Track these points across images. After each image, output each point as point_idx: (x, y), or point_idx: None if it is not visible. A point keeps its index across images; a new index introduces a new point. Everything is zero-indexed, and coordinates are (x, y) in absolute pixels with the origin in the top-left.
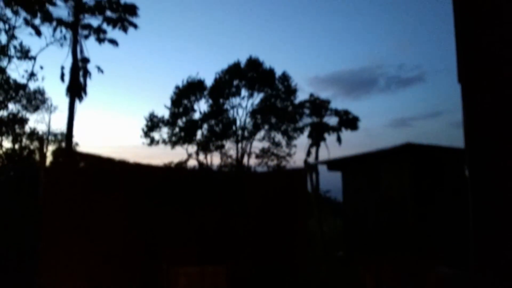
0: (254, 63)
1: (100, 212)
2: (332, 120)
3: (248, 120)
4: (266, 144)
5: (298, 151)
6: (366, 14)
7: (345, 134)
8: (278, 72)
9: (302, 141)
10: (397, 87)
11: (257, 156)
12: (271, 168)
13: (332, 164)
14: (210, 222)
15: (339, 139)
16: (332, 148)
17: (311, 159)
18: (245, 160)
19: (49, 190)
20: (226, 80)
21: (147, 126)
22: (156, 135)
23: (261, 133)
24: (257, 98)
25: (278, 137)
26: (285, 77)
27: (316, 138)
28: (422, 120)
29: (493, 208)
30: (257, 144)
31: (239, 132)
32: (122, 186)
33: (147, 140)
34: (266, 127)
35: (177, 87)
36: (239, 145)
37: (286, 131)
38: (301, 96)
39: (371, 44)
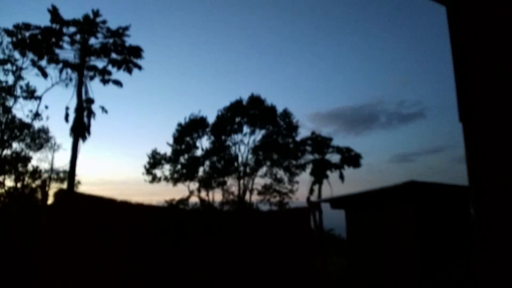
0: (256, 100)
1: (100, 252)
2: (334, 158)
3: (250, 156)
4: (268, 181)
5: (301, 187)
6: (366, 52)
7: (348, 170)
8: (280, 109)
9: (304, 177)
10: (398, 123)
11: (259, 193)
12: (274, 205)
13: (335, 202)
14: (214, 263)
15: (341, 177)
16: (334, 185)
17: (314, 197)
18: (247, 196)
19: (50, 230)
20: (228, 117)
21: (149, 163)
22: (158, 172)
23: (263, 170)
24: (259, 134)
25: (280, 173)
26: (286, 114)
27: (319, 175)
28: (424, 156)
29: (501, 248)
30: (259, 181)
31: (241, 168)
32: (123, 227)
33: (149, 178)
34: (268, 163)
35: (179, 125)
36: (241, 181)
37: (288, 167)
38: (303, 132)
39: (371, 80)
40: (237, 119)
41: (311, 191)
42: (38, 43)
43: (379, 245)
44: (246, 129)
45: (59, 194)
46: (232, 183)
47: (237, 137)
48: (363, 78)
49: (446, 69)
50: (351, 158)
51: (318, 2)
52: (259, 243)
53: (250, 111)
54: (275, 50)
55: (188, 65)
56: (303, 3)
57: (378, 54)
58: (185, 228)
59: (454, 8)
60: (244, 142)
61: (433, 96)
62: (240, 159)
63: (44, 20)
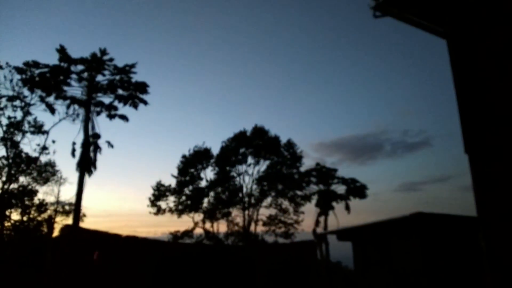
0: (259, 131)
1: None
2: (340, 188)
3: (254, 187)
4: (273, 211)
5: (306, 217)
6: (369, 82)
7: (354, 200)
8: (283, 140)
9: (310, 207)
10: (404, 152)
11: (264, 224)
12: (279, 236)
13: (342, 234)
14: None
15: (347, 208)
16: (340, 215)
17: (320, 229)
18: (252, 227)
19: (55, 264)
20: (233, 148)
21: (154, 195)
22: (163, 204)
23: (268, 200)
24: (263, 165)
25: (285, 204)
26: (290, 144)
27: (324, 206)
28: (431, 184)
29: None
30: (264, 211)
31: (246, 199)
32: (128, 261)
33: (154, 209)
34: (273, 194)
35: (183, 156)
36: (246, 212)
37: (293, 198)
38: (307, 162)
39: (375, 110)
40: (241, 150)
41: (317, 222)
42: (47, 80)
43: (387, 278)
44: (250, 159)
45: (65, 229)
46: (237, 214)
47: (242, 167)
48: (367, 108)
49: (449, 98)
50: (356, 189)
51: (321, 34)
52: (266, 276)
53: (254, 141)
54: (278, 82)
55: (192, 98)
56: (305, 34)
57: (381, 84)
58: (191, 263)
59: (455, 42)
60: (249, 173)
61: (438, 125)
62: (244, 189)
63: (52, 57)
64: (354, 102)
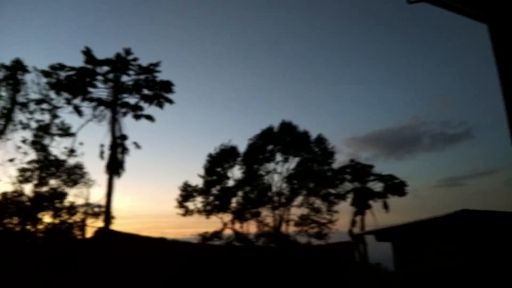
0: (287, 127)
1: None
2: (377, 186)
3: (284, 185)
4: (305, 211)
5: (341, 217)
6: (405, 71)
7: (392, 198)
8: (313, 135)
9: (344, 205)
10: (443, 145)
11: (296, 224)
12: (312, 236)
13: (381, 235)
14: None
15: (385, 206)
16: (378, 214)
17: (357, 229)
18: (283, 228)
19: (88, 266)
20: (260, 146)
21: (181, 196)
22: (190, 204)
23: (299, 199)
24: (293, 162)
25: (318, 202)
26: (320, 140)
27: (360, 205)
28: (474, 179)
29: None
30: (296, 211)
31: (276, 198)
32: (158, 263)
33: (182, 211)
34: (304, 192)
35: (209, 155)
36: (276, 212)
37: (326, 196)
38: (339, 158)
39: (412, 100)
40: (269, 147)
41: (353, 222)
42: (73, 83)
43: (430, 280)
44: (278, 157)
45: (98, 232)
46: (266, 214)
47: (270, 165)
48: (403, 99)
49: (493, 86)
50: (395, 186)
51: (352, 21)
52: (301, 279)
53: (282, 138)
54: (306, 74)
55: (217, 95)
56: (335, 23)
57: (417, 72)
58: (220, 265)
59: (496, 27)
60: (278, 171)
61: (481, 115)
62: (274, 188)
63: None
64: (389, 92)
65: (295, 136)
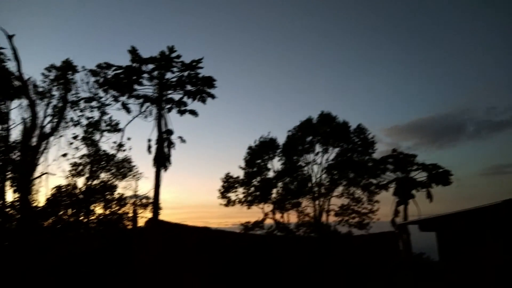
0: (326, 117)
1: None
2: (420, 175)
3: (324, 176)
4: (345, 201)
5: (382, 206)
6: (446, 56)
7: (436, 188)
8: (353, 125)
9: (385, 195)
10: (489, 132)
11: (336, 214)
12: (353, 226)
13: (425, 224)
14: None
15: (429, 196)
16: (421, 204)
17: (399, 218)
18: (323, 217)
19: (141, 255)
20: (299, 137)
21: (223, 187)
22: (232, 195)
23: (339, 189)
24: (332, 153)
25: (358, 192)
26: (360, 130)
27: (403, 195)
28: None
29: None
30: (336, 201)
31: (316, 189)
32: (206, 252)
33: (224, 201)
34: (344, 183)
35: (249, 148)
36: (316, 202)
37: (367, 186)
38: (380, 147)
39: (454, 87)
40: (308, 138)
41: (396, 212)
42: (120, 81)
43: (476, 270)
44: (318, 148)
45: (149, 222)
46: (307, 204)
47: (309, 156)
48: (445, 86)
49: None
50: (439, 176)
51: (391, 7)
52: (343, 269)
53: (321, 129)
54: (344, 64)
55: (256, 88)
56: (372, 8)
57: (460, 58)
58: (263, 253)
59: None
60: (317, 162)
61: None
62: (313, 179)
63: (118, 57)
64: (431, 80)
65: (335, 127)
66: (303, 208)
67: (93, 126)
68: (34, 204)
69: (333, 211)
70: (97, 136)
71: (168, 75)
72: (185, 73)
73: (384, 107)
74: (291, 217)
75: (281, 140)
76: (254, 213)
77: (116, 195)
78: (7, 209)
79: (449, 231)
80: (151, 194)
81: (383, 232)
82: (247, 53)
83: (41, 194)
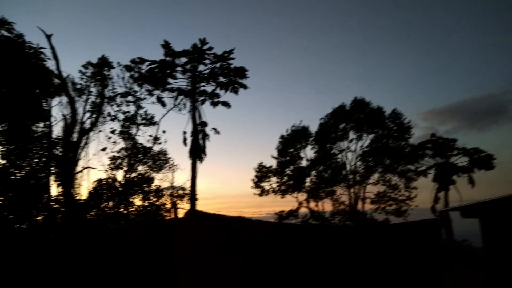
0: (360, 104)
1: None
2: (461, 160)
3: (358, 163)
4: (381, 188)
5: (420, 193)
6: (484, 34)
7: (478, 173)
8: (388, 110)
9: (423, 182)
10: None
11: (372, 201)
12: (390, 214)
13: (467, 211)
14: (333, 277)
15: (471, 181)
16: (463, 189)
17: (439, 205)
18: (359, 205)
19: (181, 245)
20: (332, 124)
21: (256, 176)
22: (265, 185)
23: (375, 176)
24: (367, 140)
25: (395, 179)
26: (396, 115)
27: (443, 181)
28: None
29: None
30: (372, 188)
31: (350, 176)
32: (244, 241)
33: (258, 191)
34: (380, 169)
35: (281, 137)
36: (351, 190)
37: (404, 172)
38: (416, 132)
39: (494, 68)
40: (341, 126)
41: (436, 199)
42: (154, 75)
43: None
44: (351, 135)
45: (189, 213)
46: (341, 192)
47: (343, 144)
48: (484, 65)
49: None
50: (481, 160)
51: None
52: (383, 258)
53: (355, 115)
54: (376, 49)
55: (288, 77)
56: None
57: (499, 35)
58: (303, 243)
59: None
60: (351, 149)
61: None
62: (348, 167)
63: (149, 52)
64: (468, 60)
65: (368, 113)
66: (338, 196)
67: (130, 120)
68: (77, 198)
69: (369, 199)
70: (133, 130)
71: (201, 67)
72: (217, 65)
73: (419, 90)
74: (326, 206)
75: (314, 128)
76: (288, 202)
77: (153, 186)
78: (52, 203)
79: (493, 217)
80: (187, 185)
81: (425, 219)
82: (278, 41)
83: (83, 188)
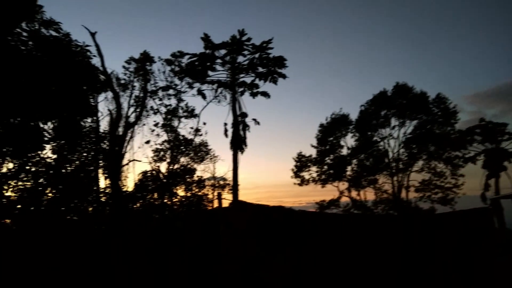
0: (402, 89)
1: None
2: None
3: (401, 150)
4: (426, 176)
5: (467, 180)
6: None
7: None
8: (431, 95)
9: (471, 168)
10: None
11: (417, 189)
12: (436, 202)
13: None
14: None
15: None
16: None
17: (490, 193)
18: (403, 194)
19: (228, 235)
20: (373, 111)
21: (296, 166)
22: (305, 174)
23: (419, 164)
24: (410, 126)
25: (440, 166)
26: (440, 99)
27: (494, 167)
28: None
29: None
30: (416, 176)
31: (393, 164)
32: (289, 231)
33: (298, 180)
34: (424, 157)
35: (321, 125)
36: (394, 178)
37: (450, 159)
38: (463, 117)
39: None
40: (383, 112)
41: (487, 186)
42: (195, 68)
43: None
44: (394, 121)
45: (233, 203)
46: (384, 181)
47: (385, 131)
48: None
49: None
50: None
51: None
52: (432, 249)
53: (397, 101)
54: (417, 30)
55: (326, 64)
56: None
57: None
58: (352, 234)
59: None
60: (393, 136)
61: None
62: (390, 154)
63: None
64: None
65: (411, 98)
66: (381, 185)
67: (172, 113)
68: (124, 189)
69: (413, 187)
70: (175, 123)
71: (240, 58)
72: (256, 55)
73: (464, 72)
74: (368, 195)
75: (354, 115)
76: (328, 191)
77: (195, 178)
78: (101, 195)
79: None
80: (227, 176)
81: (475, 208)
82: (315, 27)
83: (129, 180)
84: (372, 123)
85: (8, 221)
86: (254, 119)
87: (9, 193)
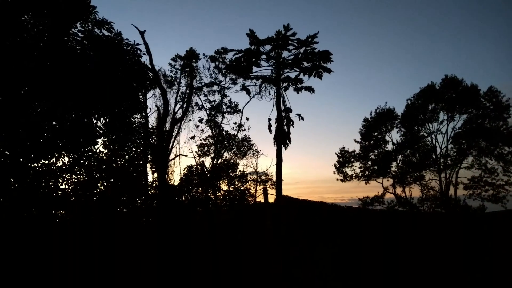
0: (451, 82)
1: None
2: None
3: (450, 146)
4: (476, 173)
5: None
6: None
7: None
8: (483, 88)
9: None
10: None
11: (466, 187)
12: (486, 200)
13: None
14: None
15: None
16: None
17: None
18: (451, 191)
19: (273, 230)
20: (420, 105)
21: (338, 162)
22: (348, 170)
23: (469, 160)
24: (459, 120)
25: (492, 163)
26: (492, 92)
27: None
28: None
29: None
30: (465, 173)
31: (441, 160)
32: (333, 227)
33: (340, 176)
34: (475, 152)
35: (365, 120)
36: (442, 175)
37: (502, 155)
38: None
39: None
40: (431, 106)
41: None
42: (240, 64)
43: None
44: (442, 116)
45: (278, 199)
46: (431, 178)
47: (432, 126)
48: None
49: None
50: None
51: None
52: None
53: (445, 95)
54: (467, 20)
55: (372, 57)
56: None
57: None
58: (390, 231)
59: None
60: (442, 131)
61: None
62: (438, 150)
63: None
64: None
65: (461, 92)
66: (427, 182)
67: (216, 109)
68: (171, 183)
69: (462, 184)
70: (219, 118)
71: (285, 53)
72: (301, 50)
73: None
74: (414, 192)
75: (399, 110)
76: (372, 188)
77: (238, 172)
78: (149, 189)
79: None
80: (270, 171)
81: None
82: (361, 19)
83: (176, 174)
84: (419, 117)
85: (62, 212)
86: (298, 114)
87: (63, 186)
